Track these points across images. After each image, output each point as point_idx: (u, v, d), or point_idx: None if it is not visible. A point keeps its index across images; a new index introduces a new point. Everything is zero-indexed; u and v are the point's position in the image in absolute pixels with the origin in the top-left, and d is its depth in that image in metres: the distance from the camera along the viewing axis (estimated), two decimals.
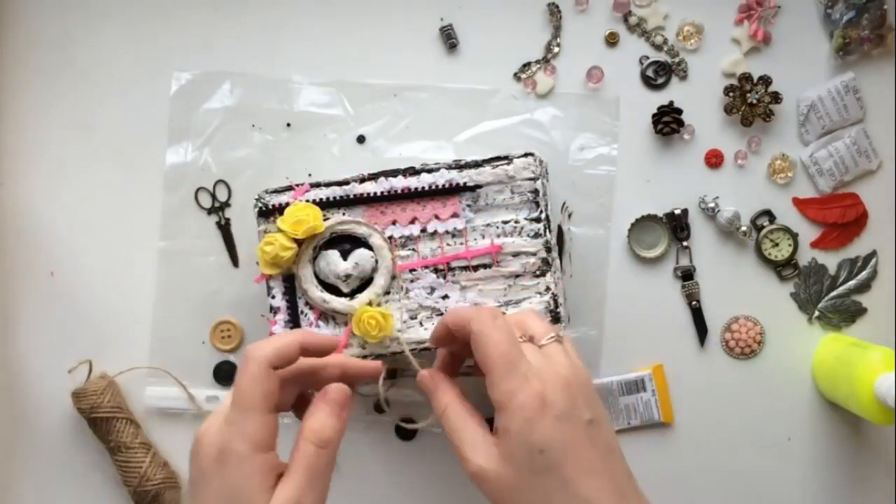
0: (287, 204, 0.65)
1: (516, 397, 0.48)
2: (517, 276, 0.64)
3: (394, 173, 0.65)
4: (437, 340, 0.58)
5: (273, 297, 0.65)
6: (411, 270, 0.65)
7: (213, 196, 0.73)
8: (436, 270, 0.64)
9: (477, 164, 0.64)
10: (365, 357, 0.65)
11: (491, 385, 0.50)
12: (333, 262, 0.64)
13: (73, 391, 0.71)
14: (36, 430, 0.73)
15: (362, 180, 0.65)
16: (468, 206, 0.64)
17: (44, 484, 0.73)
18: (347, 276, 0.64)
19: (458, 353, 0.58)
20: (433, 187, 0.64)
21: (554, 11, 0.72)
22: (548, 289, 0.64)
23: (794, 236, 0.72)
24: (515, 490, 0.49)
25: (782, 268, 0.73)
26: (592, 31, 0.73)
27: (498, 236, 0.64)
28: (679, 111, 0.72)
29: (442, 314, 0.64)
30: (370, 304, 0.64)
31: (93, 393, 0.70)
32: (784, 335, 0.73)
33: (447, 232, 0.64)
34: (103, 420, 0.70)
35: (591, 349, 0.72)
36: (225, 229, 0.73)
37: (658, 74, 0.73)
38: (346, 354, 0.65)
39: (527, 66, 0.73)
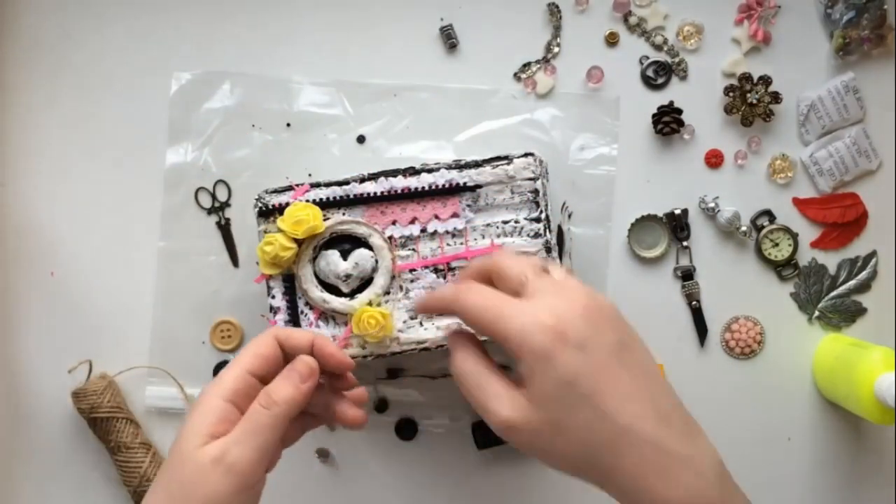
0: (287, 204, 0.65)
1: (528, 338, 0.45)
2: None
3: (394, 173, 0.65)
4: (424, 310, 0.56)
5: (273, 297, 0.65)
6: (411, 270, 0.65)
7: (213, 196, 0.73)
8: (436, 270, 0.64)
9: (477, 164, 0.64)
10: (365, 357, 0.65)
11: (502, 341, 0.46)
12: (333, 262, 0.64)
13: (73, 391, 0.71)
14: (36, 430, 0.73)
15: (362, 180, 0.65)
16: (468, 206, 0.64)
17: (44, 484, 0.73)
18: (347, 276, 0.64)
19: None
20: (433, 187, 0.64)
21: (554, 11, 0.72)
22: None
23: (794, 236, 0.72)
24: (550, 433, 0.45)
25: (782, 268, 0.73)
26: (592, 31, 0.73)
27: (498, 236, 0.64)
28: (679, 111, 0.72)
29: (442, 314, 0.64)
30: (370, 304, 0.64)
31: (93, 393, 0.70)
32: (784, 335, 0.73)
33: (447, 232, 0.64)
34: (103, 420, 0.70)
35: None
36: (225, 229, 0.73)
37: (658, 74, 0.73)
38: (346, 354, 0.64)
39: (527, 66, 0.73)
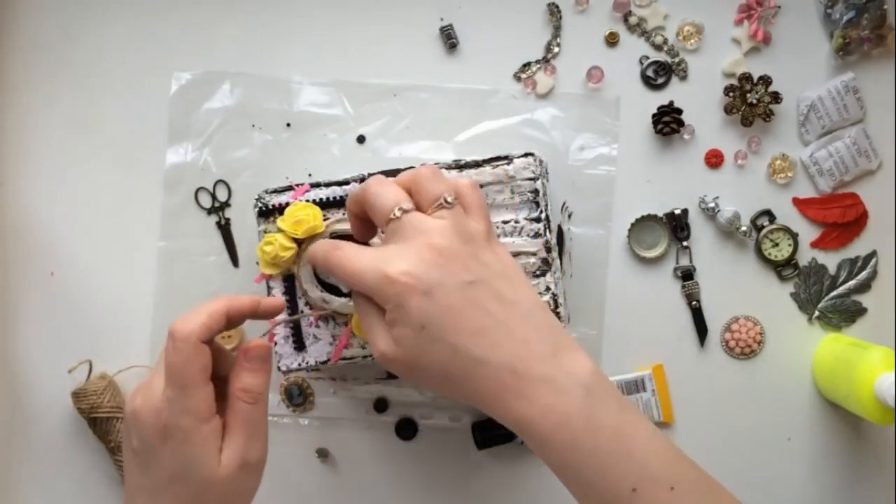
0: (287, 204, 0.65)
1: (381, 292, 0.49)
2: None
3: (394, 173, 0.65)
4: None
5: (273, 297, 0.65)
6: None
7: (213, 196, 0.73)
8: None
9: (477, 164, 0.64)
10: (365, 357, 0.65)
11: (367, 294, 0.51)
12: None
13: (73, 391, 0.71)
14: (36, 430, 0.73)
15: (362, 180, 0.65)
16: None
17: (44, 484, 0.73)
18: None
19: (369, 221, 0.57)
20: None
21: (554, 11, 0.72)
22: (548, 289, 0.64)
23: (794, 236, 0.72)
24: (415, 367, 0.50)
25: (782, 268, 0.73)
26: (592, 31, 0.73)
27: (498, 236, 0.64)
28: (679, 111, 0.72)
29: None
30: None
31: (93, 393, 0.70)
32: (784, 335, 0.73)
33: None
34: (103, 420, 0.70)
35: (591, 349, 0.72)
36: (225, 229, 0.73)
37: (658, 74, 0.73)
38: (346, 354, 0.65)
39: (527, 66, 0.73)
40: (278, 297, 0.64)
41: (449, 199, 0.51)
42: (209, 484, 0.51)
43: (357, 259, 0.51)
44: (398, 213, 0.51)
